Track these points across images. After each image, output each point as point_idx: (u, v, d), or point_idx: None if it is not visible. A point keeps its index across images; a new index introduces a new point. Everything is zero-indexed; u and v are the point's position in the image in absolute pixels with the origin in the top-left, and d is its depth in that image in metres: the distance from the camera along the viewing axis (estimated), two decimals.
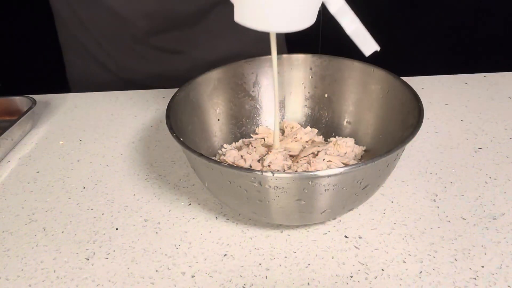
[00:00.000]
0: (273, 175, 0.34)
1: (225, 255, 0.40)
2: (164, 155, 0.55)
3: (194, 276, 0.38)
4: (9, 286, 0.39)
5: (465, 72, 0.71)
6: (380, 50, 0.41)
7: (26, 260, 0.41)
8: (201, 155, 0.36)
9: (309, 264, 0.39)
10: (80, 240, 0.43)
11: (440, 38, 1.50)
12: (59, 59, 0.81)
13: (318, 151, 0.47)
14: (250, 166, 0.46)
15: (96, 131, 0.61)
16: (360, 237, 0.41)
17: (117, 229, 0.44)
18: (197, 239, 0.42)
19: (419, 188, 0.47)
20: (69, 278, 0.39)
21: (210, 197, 0.47)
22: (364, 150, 0.49)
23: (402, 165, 0.50)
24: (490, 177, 0.48)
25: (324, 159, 0.45)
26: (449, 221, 0.43)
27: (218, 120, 0.52)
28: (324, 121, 0.54)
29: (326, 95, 0.53)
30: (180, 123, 0.44)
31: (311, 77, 0.53)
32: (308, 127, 0.53)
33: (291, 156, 0.49)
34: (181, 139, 0.39)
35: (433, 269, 0.37)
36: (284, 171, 0.46)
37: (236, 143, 0.52)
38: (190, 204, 0.47)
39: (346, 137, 0.51)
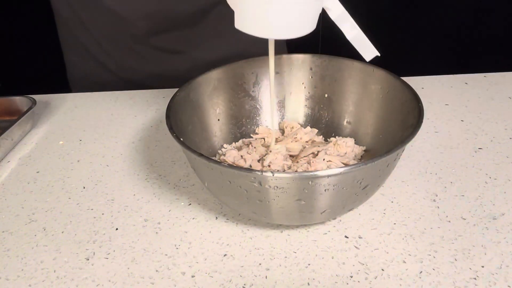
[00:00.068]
0: (273, 175, 0.34)
1: (225, 255, 0.40)
2: (164, 155, 0.55)
3: (194, 276, 0.38)
4: (9, 286, 0.39)
5: (465, 72, 0.71)
6: (380, 49, 0.41)
7: (26, 260, 0.41)
8: (201, 155, 0.36)
9: (309, 264, 0.39)
10: (80, 240, 0.43)
11: (440, 38, 1.50)
12: (59, 59, 0.81)
13: (318, 151, 0.47)
14: (250, 166, 0.46)
15: (96, 131, 0.61)
16: (360, 237, 0.41)
17: (117, 229, 0.44)
18: (197, 239, 0.42)
19: (419, 188, 0.47)
20: (69, 278, 0.39)
21: (210, 197, 0.47)
22: (364, 150, 0.49)
23: (402, 165, 0.50)
24: (490, 177, 0.48)
25: (324, 159, 0.45)
26: (449, 221, 0.43)
27: (218, 120, 0.52)
28: (324, 121, 0.54)
29: (326, 95, 0.53)
30: (180, 123, 0.44)
31: (311, 77, 0.53)
32: (308, 127, 0.53)
33: (291, 156, 0.49)
34: (181, 139, 0.39)
35: (433, 269, 0.37)
36: (284, 171, 0.46)
37: (236, 143, 0.52)
38: (190, 204, 0.47)
39: (346, 137, 0.51)
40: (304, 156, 0.47)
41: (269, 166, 0.46)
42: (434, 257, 0.39)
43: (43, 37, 1.19)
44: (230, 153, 0.48)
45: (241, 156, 0.47)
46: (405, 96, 0.44)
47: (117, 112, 0.66)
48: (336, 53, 0.51)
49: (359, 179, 0.36)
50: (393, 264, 0.38)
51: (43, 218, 0.46)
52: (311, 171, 0.37)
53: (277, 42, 0.43)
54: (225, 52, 0.72)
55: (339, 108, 0.53)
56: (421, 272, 0.37)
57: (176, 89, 0.46)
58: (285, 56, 0.53)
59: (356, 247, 0.40)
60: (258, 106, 0.54)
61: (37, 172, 0.54)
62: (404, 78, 0.46)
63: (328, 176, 0.34)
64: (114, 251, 0.41)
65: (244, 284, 0.37)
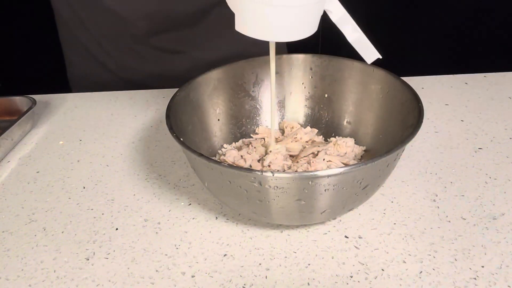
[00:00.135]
0: (273, 175, 0.34)
1: (225, 255, 0.40)
2: (164, 155, 0.55)
3: (194, 276, 0.38)
4: (9, 286, 0.39)
5: (465, 72, 0.71)
6: (380, 49, 0.41)
7: (26, 260, 0.41)
8: (201, 155, 0.36)
9: (309, 264, 0.39)
10: (80, 240, 0.43)
11: (440, 38, 1.50)
12: (59, 59, 0.81)
13: (318, 151, 0.47)
14: (250, 166, 0.46)
15: (96, 131, 0.61)
16: (360, 237, 0.41)
17: (117, 229, 0.44)
18: (197, 239, 0.42)
19: (419, 188, 0.47)
20: (69, 278, 0.39)
21: (210, 197, 0.47)
22: (364, 150, 0.49)
23: (402, 165, 0.50)
24: (490, 177, 0.48)
25: (324, 159, 0.45)
26: (449, 221, 0.43)
27: (218, 120, 0.52)
28: (324, 121, 0.54)
29: (326, 95, 0.53)
30: (180, 123, 0.44)
31: (311, 77, 0.53)
32: (308, 127, 0.53)
33: (291, 156, 0.49)
34: (181, 139, 0.39)
35: (433, 269, 0.37)
36: (284, 171, 0.46)
37: (236, 143, 0.52)
38: (190, 204, 0.47)
39: (346, 137, 0.51)
40: (304, 156, 0.47)
41: (269, 166, 0.46)
42: (434, 257, 0.39)
43: (43, 37, 1.19)
44: (230, 153, 0.48)
45: (241, 156, 0.47)
46: (405, 96, 0.44)
47: (117, 112, 0.66)
48: (336, 53, 0.51)
49: (359, 179, 0.36)
50: (393, 264, 0.38)
51: (43, 218, 0.46)
52: (311, 171, 0.37)
53: (278, 43, 0.43)
54: (225, 52, 0.72)
55: (339, 108, 0.53)
56: (421, 272, 0.37)
57: (176, 89, 0.46)
58: (285, 56, 0.53)
59: (356, 247, 0.40)
60: (258, 106, 0.54)
61: (37, 172, 0.54)
62: (404, 78, 0.46)
63: (328, 176, 0.34)
64: (114, 251, 0.41)
65: (244, 284, 0.37)
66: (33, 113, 0.62)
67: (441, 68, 0.74)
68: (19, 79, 1.38)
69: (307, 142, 0.51)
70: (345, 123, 0.52)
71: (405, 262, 0.38)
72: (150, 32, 0.69)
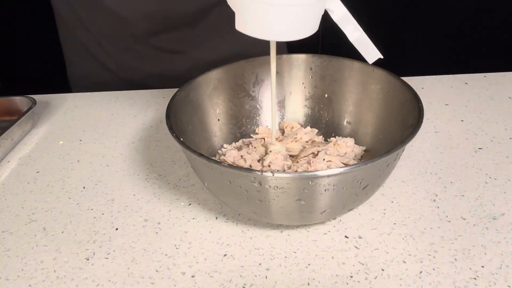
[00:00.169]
0: (273, 175, 0.34)
1: (225, 255, 0.40)
2: (164, 155, 0.55)
3: (194, 276, 0.38)
4: (9, 286, 0.39)
5: (465, 72, 0.71)
6: (380, 49, 0.41)
7: (26, 260, 0.41)
8: (201, 155, 0.36)
9: (309, 264, 0.39)
10: (80, 240, 0.43)
11: (440, 38, 1.50)
12: (59, 59, 0.81)
13: (318, 151, 0.47)
14: (250, 166, 0.46)
15: (96, 131, 0.61)
16: (360, 237, 0.41)
17: (117, 229, 0.44)
18: (197, 239, 0.42)
19: (419, 188, 0.47)
20: (69, 278, 0.39)
21: (210, 197, 0.47)
22: (364, 150, 0.49)
23: (402, 165, 0.50)
24: (490, 177, 0.48)
25: (324, 159, 0.45)
26: (449, 221, 0.43)
27: (218, 120, 0.52)
28: (324, 121, 0.54)
29: (326, 95, 0.53)
30: (180, 123, 0.44)
31: (311, 77, 0.53)
32: (308, 127, 0.53)
33: (291, 156, 0.49)
34: (181, 139, 0.39)
35: (433, 269, 0.37)
36: (284, 171, 0.46)
37: (236, 143, 0.52)
38: (190, 204, 0.47)
39: (346, 137, 0.51)
40: (304, 156, 0.47)
41: (269, 166, 0.46)
42: (434, 257, 0.39)
43: (43, 37, 1.19)
44: (230, 153, 0.48)
45: (241, 156, 0.47)
46: (405, 96, 0.44)
47: (117, 112, 0.66)
48: (336, 53, 0.51)
49: (359, 179, 0.36)
50: (393, 264, 0.38)
51: (43, 218, 0.46)
52: (311, 171, 0.37)
53: (278, 43, 0.43)
54: (225, 52, 0.72)
55: (339, 108, 0.53)
56: (421, 272, 0.37)
57: (176, 89, 0.46)
58: (285, 56, 0.53)
59: (356, 247, 0.40)
60: (258, 106, 0.54)
61: (37, 172, 0.54)
62: (404, 78, 0.46)
63: (328, 176, 0.34)
64: (114, 251, 0.41)
65: (244, 284, 0.37)
66: (33, 113, 0.62)
67: (441, 68, 0.74)
68: (19, 79, 1.38)
69: (307, 142, 0.51)
70: (345, 123, 0.52)
71: (405, 262, 0.38)
72: (150, 32, 0.69)
